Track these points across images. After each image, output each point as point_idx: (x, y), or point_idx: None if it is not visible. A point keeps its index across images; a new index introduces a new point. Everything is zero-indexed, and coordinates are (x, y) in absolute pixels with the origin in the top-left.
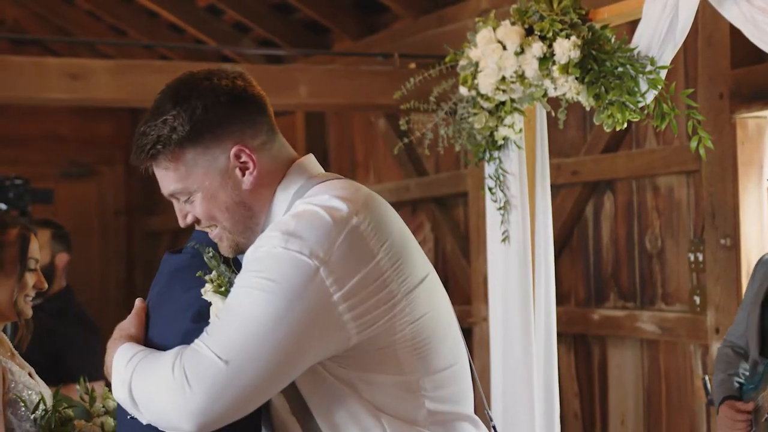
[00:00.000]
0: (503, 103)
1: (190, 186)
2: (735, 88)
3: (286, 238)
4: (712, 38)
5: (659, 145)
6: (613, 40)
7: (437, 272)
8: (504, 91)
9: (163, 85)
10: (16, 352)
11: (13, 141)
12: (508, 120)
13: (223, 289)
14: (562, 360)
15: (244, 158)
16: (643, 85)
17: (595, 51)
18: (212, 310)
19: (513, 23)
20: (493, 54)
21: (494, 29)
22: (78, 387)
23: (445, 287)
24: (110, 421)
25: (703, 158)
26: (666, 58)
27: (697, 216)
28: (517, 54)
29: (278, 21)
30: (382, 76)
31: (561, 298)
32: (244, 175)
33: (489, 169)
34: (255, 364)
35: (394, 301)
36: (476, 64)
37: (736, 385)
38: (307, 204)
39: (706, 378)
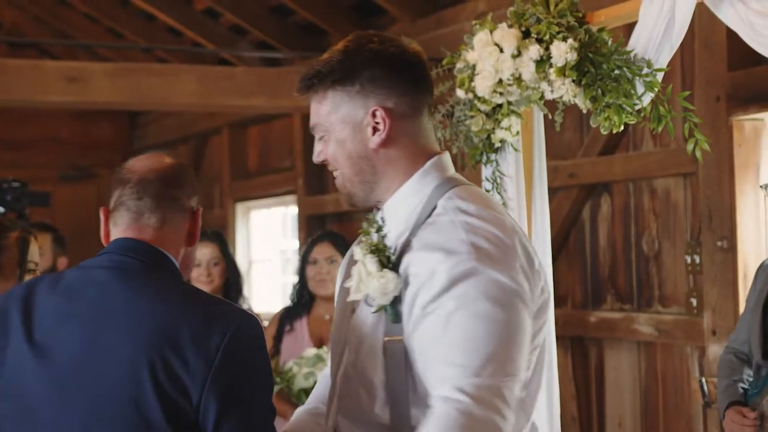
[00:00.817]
0: (500, 106)
1: (327, 125)
2: (732, 90)
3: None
4: (709, 41)
5: (656, 147)
6: (609, 42)
7: None
8: (501, 93)
9: (161, 88)
10: None
11: (12, 144)
12: (505, 122)
13: (377, 252)
14: (559, 362)
15: (378, 119)
16: (640, 88)
17: (591, 53)
18: (358, 269)
19: (510, 26)
20: (490, 57)
21: (491, 32)
22: None
23: None
24: None
25: (700, 161)
26: (662, 60)
27: (694, 218)
28: (514, 57)
29: (275, 24)
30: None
31: (558, 301)
32: (374, 134)
33: (486, 171)
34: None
35: None
36: (473, 67)
37: (741, 390)
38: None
39: (703, 380)
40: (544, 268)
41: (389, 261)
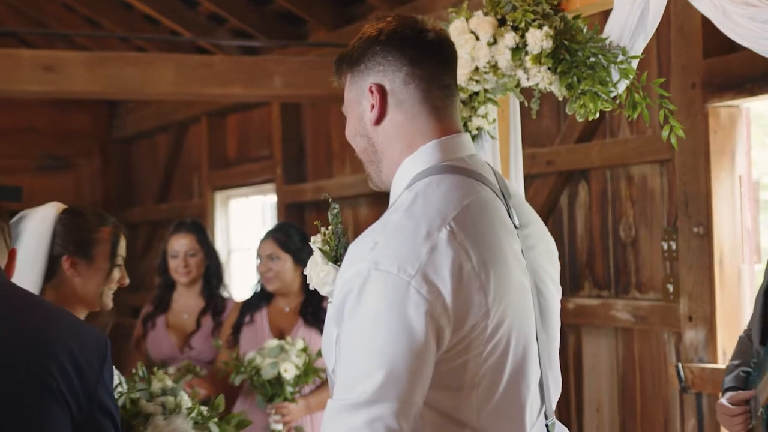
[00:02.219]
0: (476, 94)
1: (346, 105)
2: (707, 77)
3: None
4: (684, 28)
5: (633, 134)
6: (585, 30)
7: None
8: (477, 81)
9: (138, 77)
10: None
11: None
12: (481, 110)
13: (328, 248)
14: None
15: (374, 96)
16: (615, 75)
17: (567, 41)
18: (312, 259)
19: (486, 14)
20: (466, 44)
21: (467, 20)
22: (137, 370)
23: None
24: (171, 400)
25: (675, 147)
26: (638, 47)
27: (671, 205)
28: (490, 44)
29: (254, 12)
30: None
31: None
32: (372, 110)
33: None
34: None
35: None
36: None
37: (742, 374)
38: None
39: (680, 365)
40: (503, 277)
41: (335, 255)
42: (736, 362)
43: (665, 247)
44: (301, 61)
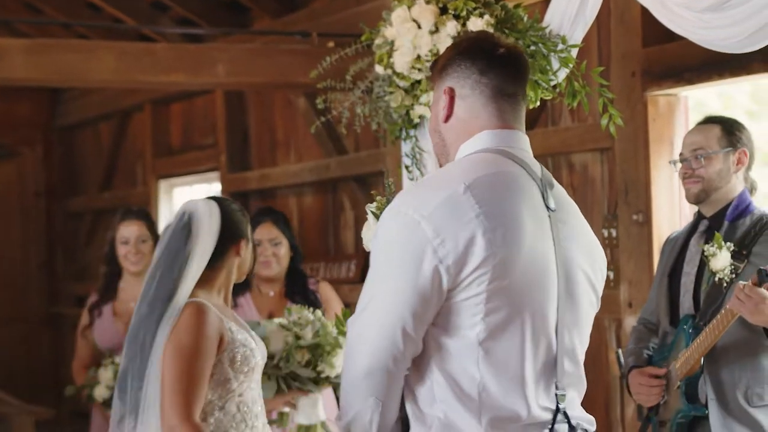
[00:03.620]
0: (419, 82)
1: (432, 105)
2: (646, 66)
3: None
4: (624, 17)
5: (574, 122)
6: (525, 18)
7: (358, 253)
8: (419, 69)
9: (79, 65)
10: (232, 311)
11: None
12: (423, 98)
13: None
14: None
15: (446, 97)
16: (555, 64)
17: (507, 30)
18: (366, 223)
19: (427, 2)
20: (408, 33)
21: (409, 8)
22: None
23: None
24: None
25: (614, 135)
26: (577, 36)
27: (611, 192)
28: (431, 33)
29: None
30: (300, 55)
31: None
32: (443, 109)
33: (405, 147)
34: None
35: None
36: (392, 43)
37: (645, 356)
38: None
39: (620, 351)
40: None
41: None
42: (635, 346)
43: (606, 234)
44: (245, 48)
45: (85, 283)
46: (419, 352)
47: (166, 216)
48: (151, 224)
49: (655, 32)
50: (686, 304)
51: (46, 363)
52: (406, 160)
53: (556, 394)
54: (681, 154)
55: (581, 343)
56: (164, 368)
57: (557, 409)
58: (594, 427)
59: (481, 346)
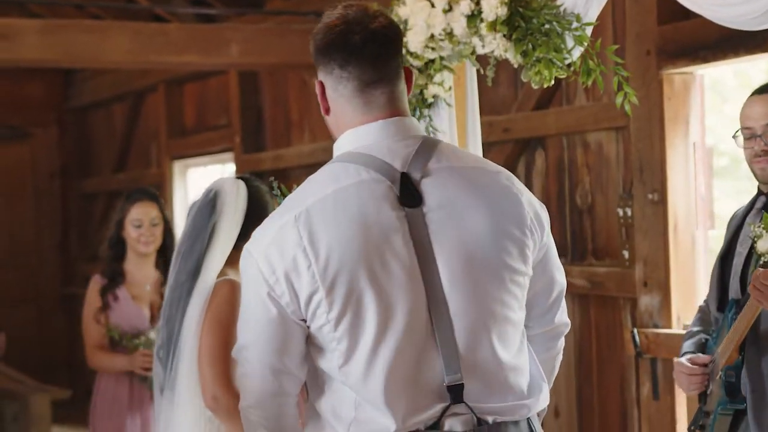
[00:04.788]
0: (432, 61)
1: None
2: (662, 44)
3: None
4: None
5: (589, 101)
6: None
7: None
8: (433, 48)
9: (93, 45)
10: None
11: None
12: (437, 78)
13: None
14: None
15: (319, 90)
16: (570, 42)
17: (522, 8)
18: None
19: None
20: (422, 12)
21: None
22: None
23: None
24: None
25: (629, 114)
26: (591, 14)
27: (626, 171)
28: (445, 11)
29: None
30: None
31: None
32: (321, 102)
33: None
34: None
35: None
36: (405, 22)
37: (703, 341)
38: None
39: (635, 331)
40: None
41: None
42: (696, 329)
43: (621, 213)
44: (258, 28)
45: (99, 264)
46: (303, 378)
47: (180, 197)
48: (161, 206)
49: (670, 10)
50: (734, 287)
51: (59, 344)
52: None
53: (447, 386)
54: (748, 129)
55: (488, 331)
56: (203, 342)
57: (449, 404)
58: (530, 413)
59: (342, 371)
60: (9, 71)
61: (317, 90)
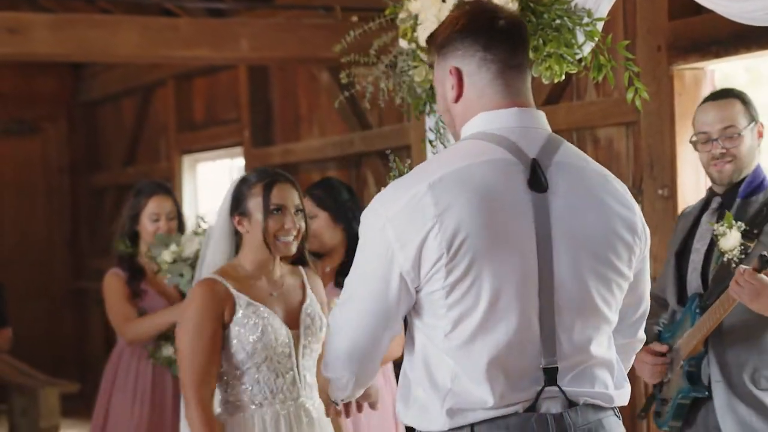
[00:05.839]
0: None
1: (435, 83)
2: (672, 39)
3: None
4: None
5: (599, 97)
6: None
7: None
8: None
9: (103, 40)
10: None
11: None
12: None
13: None
14: None
15: (453, 77)
16: (581, 37)
17: (532, 3)
18: None
19: None
20: (432, 6)
21: None
22: None
23: None
24: None
25: (639, 109)
26: (603, 10)
27: (636, 167)
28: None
29: None
30: (323, 29)
31: None
32: (452, 90)
33: (429, 122)
34: None
35: None
36: (416, 17)
37: (655, 331)
38: None
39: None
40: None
41: None
42: (648, 321)
43: None
44: (268, 23)
45: (110, 258)
46: (396, 336)
47: (189, 191)
48: (176, 200)
49: (680, 5)
50: (694, 283)
51: (70, 338)
52: (430, 135)
53: (543, 369)
54: (704, 133)
55: (587, 322)
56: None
57: (544, 386)
58: (614, 403)
59: (448, 338)
60: (19, 66)
61: (451, 76)
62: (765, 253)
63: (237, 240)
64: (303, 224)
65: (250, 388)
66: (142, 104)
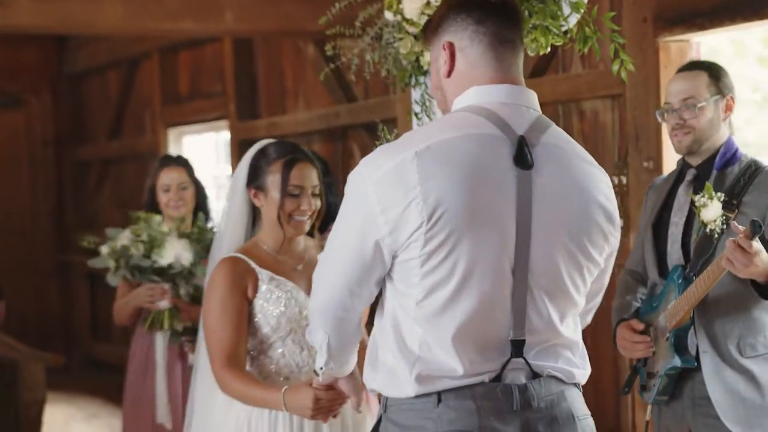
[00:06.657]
0: None
1: (431, 65)
2: (658, 11)
3: None
4: None
5: (585, 69)
6: None
7: None
8: (429, 15)
9: (86, 12)
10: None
11: None
12: None
13: None
14: None
15: (446, 52)
16: (566, 9)
17: None
18: None
19: None
20: None
21: None
22: None
23: None
24: None
25: (625, 81)
26: None
27: (621, 139)
28: None
29: None
30: (308, 1)
31: None
32: (444, 65)
33: (415, 94)
34: None
35: None
36: None
37: (634, 307)
38: None
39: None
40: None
41: None
42: (622, 299)
43: (616, 181)
44: None
45: (95, 231)
46: (372, 300)
47: None
48: (191, 171)
49: None
50: (675, 255)
51: (56, 311)
52: (416, 107)
53: (511, 341)
54: (668, 104)
55: (557, 303)
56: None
57: (510, 357)
58: (575, 380)
59: (419, 306)
60: (3, 37)
61: (444, 51)
62: (757, 218)
63: (255, 210)
64: (318, 203)
65: (276, 361)
66: (127, 77)
